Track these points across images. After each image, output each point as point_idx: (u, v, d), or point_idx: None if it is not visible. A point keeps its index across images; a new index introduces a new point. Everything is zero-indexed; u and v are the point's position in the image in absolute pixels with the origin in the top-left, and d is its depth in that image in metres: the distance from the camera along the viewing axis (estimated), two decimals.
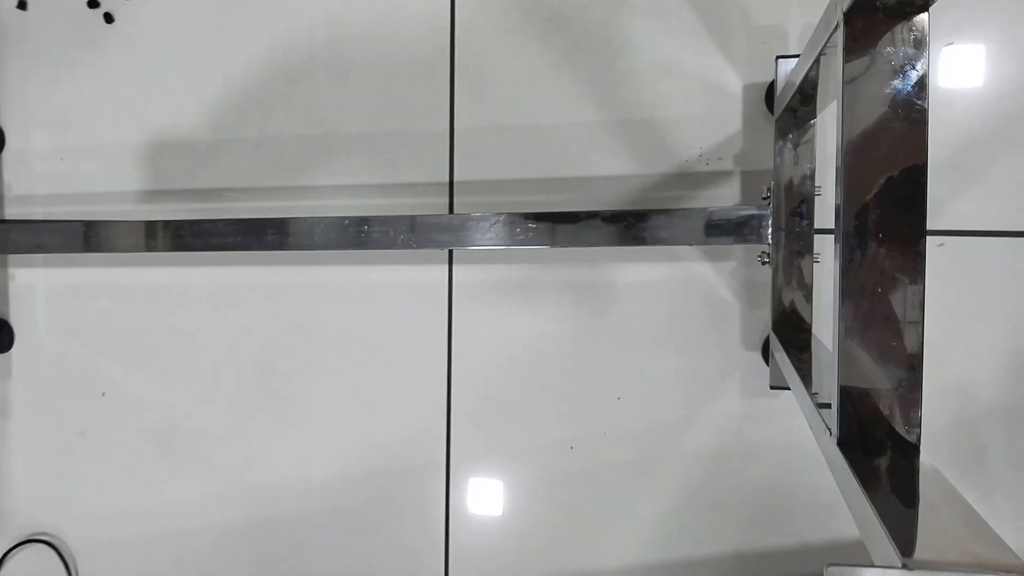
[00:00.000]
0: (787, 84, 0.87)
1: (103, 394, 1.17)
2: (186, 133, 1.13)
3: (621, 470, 1.04)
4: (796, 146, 0.88)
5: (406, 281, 1.07)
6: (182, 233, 1.05)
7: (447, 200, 1.05)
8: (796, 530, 1.00)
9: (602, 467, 1.04)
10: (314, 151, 1.09)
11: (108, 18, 1.15)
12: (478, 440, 1.07)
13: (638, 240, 0.91)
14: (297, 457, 1.12)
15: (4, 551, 1.20)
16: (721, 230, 0.90)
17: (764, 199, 0.91)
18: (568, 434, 1.04)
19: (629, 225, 0.91)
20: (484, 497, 1.07)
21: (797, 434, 0.99)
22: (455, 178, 1.05)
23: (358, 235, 0.99)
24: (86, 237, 1.08)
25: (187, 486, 1.15)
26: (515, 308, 1.04)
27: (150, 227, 1.05)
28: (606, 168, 1.01)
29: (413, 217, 0.97)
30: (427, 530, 1.08)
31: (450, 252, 1.06)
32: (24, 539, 1.20)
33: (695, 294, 1.01)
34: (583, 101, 1.01)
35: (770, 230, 0.89)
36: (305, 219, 1.00)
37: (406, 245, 0.99)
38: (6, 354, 1.20)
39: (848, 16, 0.52)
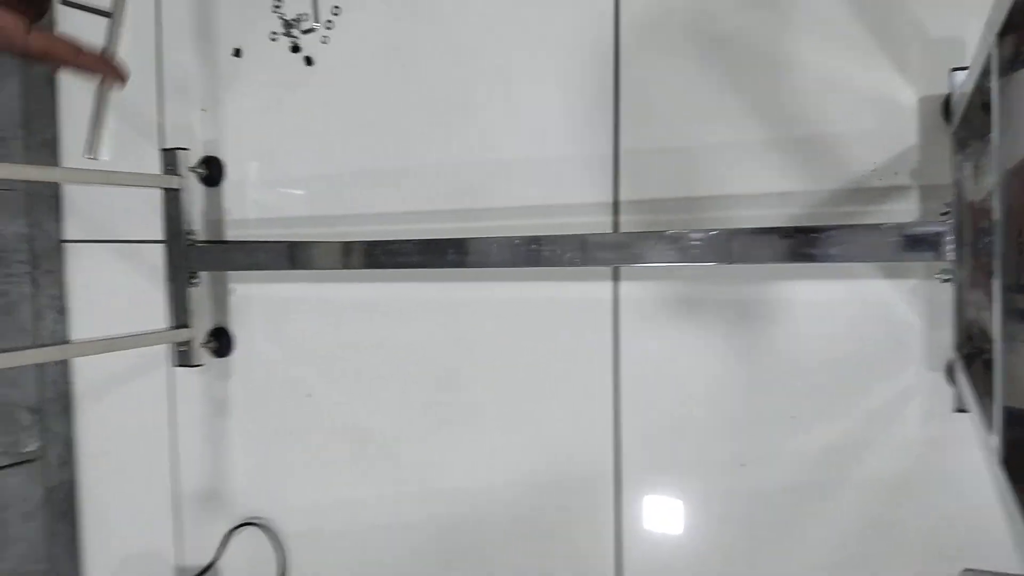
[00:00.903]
0: (961, 96, 0.82)
1: (308, 396, 1.31)
2: (374, 163, 1.23)
3: (795, 492, 1.02)
4: (976, 159, 0.83)
5: (575, 298, 1.12)
6: (374, 252, 1.15)
7: (611, 219, 1.08)
8: (985, 564, 0.94)
9: (775, 488, 1.03)
10: (486, 176, 1.16)
11: (308, 61, 1.28)
12: (647, 454, 1.09)
13: (815, 257, 0.90)
14: (474, 463, 1.19)
15: (227, 530, 1.38)
16: (902, 246, 0.87)
17: (943, 215, 0.87)
18: (739, 452, 1.04)
19: (806, 241, 0.90)
20: (654, 512, 1.09)
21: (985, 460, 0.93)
22: (620, 198, 1.08)
23: (529, 254, 1.05)
24: (291, 256, 1.22)
25: (378, 485, 1.27)
26: (682, 325, 1.06)
27: (346, 247, 1.17)
28: (773, 185, 1.00)
29: (582, 236, 1.01)
30: (598, 541, 1.12)
31: (615, 269, 1.09)
32: (242, 522, 1.37)
33: (873, 312, 0.97)
34: (748, 119, 1.00)
35: (952, 246, 0.85)
36: (482, 239, 1.07)
37: (574, 263, 1.03)
38: (226, 359, 1.37)
39: (1001, 36, 0.51)
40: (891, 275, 0.97)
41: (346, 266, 1.19)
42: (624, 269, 1.09)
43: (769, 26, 0.99)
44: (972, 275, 0.86)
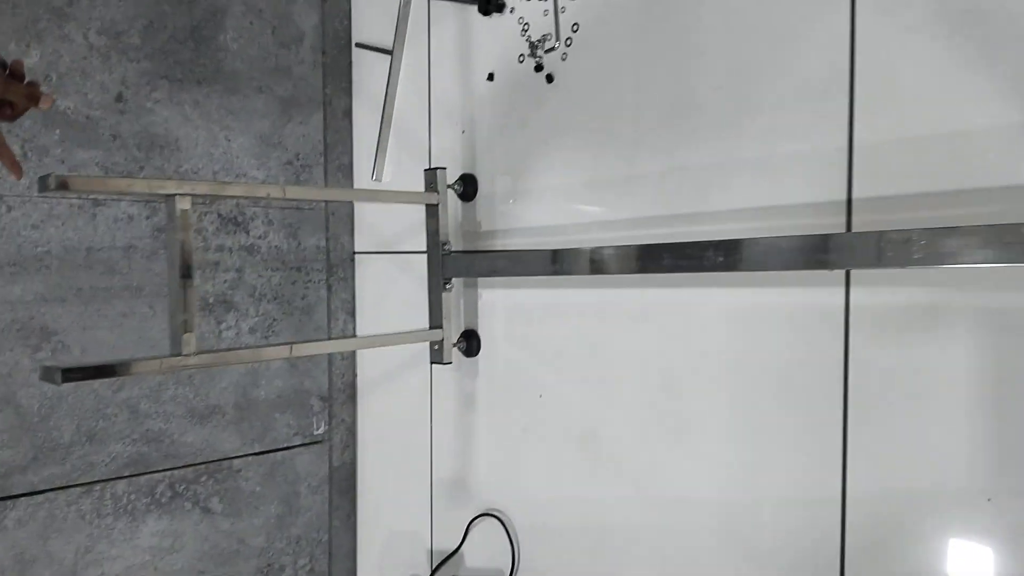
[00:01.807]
0: None
1: (540, 396, 1.37)
2: (610, 171, 1.26)
3: None
4: None
5: (800, 304, 1.04)
6: (597, 259, 1.18)
7: (844, 220, 1.00)
8: None
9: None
10: (713, 178, 1.13)
11: (549, 79, 1.36)
12: (874, 477, 0.98)
13: None
14: (691, 475, 1.16)
15: (470, 519, 1.48)
16: None
17: None
18: (984, 484, 0.90)
19: None
20: (883, 541, 0.98)
21: None
22: (853, 196, 0.99)
23: (750, 257, 1.01)
24: (527, 263, 1.30)
25: (601, 485, 1.28)
26: (921, 335, 0.94)
27: (580, 255, 1.21)
28: None
29: (803, 236, 0.95)
30: (821, 571, 1.03)
31: (847, 274, 1.00)
32: (482, 512, 1.46)
33: None
34: (1005, 100, 0.87)
35: None
36: (697, 243, 1.05)
37: (795, 266, 0.97)
38: (474, 358, 1.48)
39: None
40: None
41: (578, 272, 1.23)
42: (857, 274, 1.00)
43: None
44: None
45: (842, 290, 1.01)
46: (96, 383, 1.41)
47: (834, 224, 1.01)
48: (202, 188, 1.17)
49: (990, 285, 0.89)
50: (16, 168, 0.93)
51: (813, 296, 1.04)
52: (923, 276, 0.94)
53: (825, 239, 0.94)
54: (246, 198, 1.52)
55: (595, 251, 1.20)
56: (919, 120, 0.94)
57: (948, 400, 0.92)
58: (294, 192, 1.35)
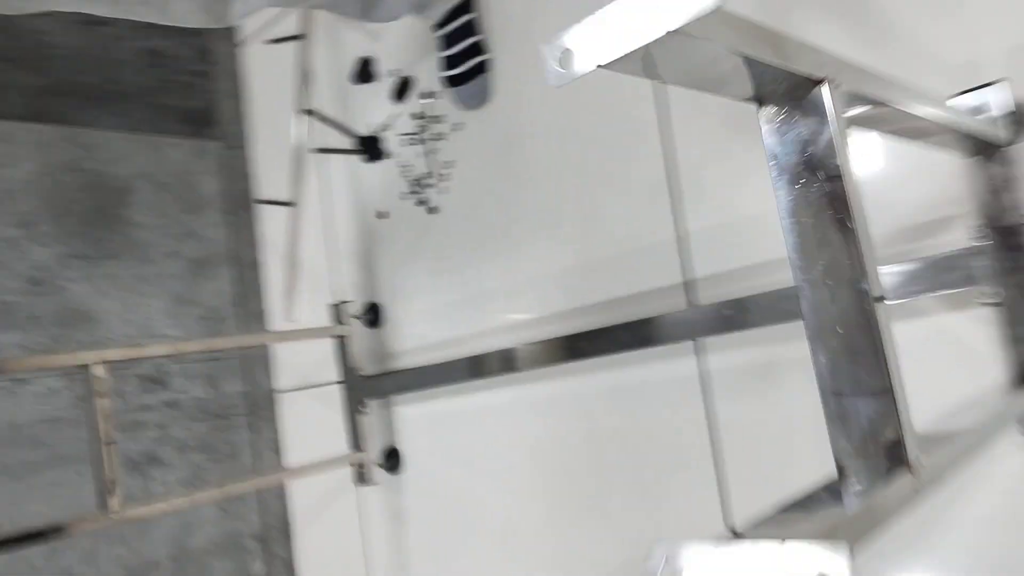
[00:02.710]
0: None
1: (462, 502, 1.46)
2: (495, 282, 1.41)
3: None
4: None
5: (662, 376, 1.18)
6: (489, 362, 1.32)
7: (684, 298, 1.15)
8: None
9: None
10: (579, 276, 1.28)
11: (431, 210, 1.52)
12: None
13: None
14: (601, 548, 1.25)
15: None
16: None
17: None
18: None
19: None
20: None
21: None
22: (695, 275, 1.15)
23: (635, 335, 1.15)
24: (427, 376, 1.42)
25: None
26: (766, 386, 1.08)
27: (470, 362, 1.34)
28: None
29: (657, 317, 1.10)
30: None
31: (695, 342, 1.15)
32: None
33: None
34: None
35: None
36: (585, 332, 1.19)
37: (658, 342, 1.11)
38: (398, 475, 1.56)
39: None
40: None
41: (471, 377, 1.36)
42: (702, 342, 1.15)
43: None
44: None
45: (694, 359, 1.15)
46: (29, 553, 1.44)
47: (677, 303, 1.16)
48: (113, 355, 1.26)
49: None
50: None
51: (672, 368, 1.18)
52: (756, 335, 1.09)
53: (667, 318, 1.09)
54: (159, 357, 1.61)
55: (488, 355, 1.33)
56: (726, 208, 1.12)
57: (799, 439, 1.06)
58: (206, 344, 1.46)
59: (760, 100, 0.50)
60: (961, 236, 0.88)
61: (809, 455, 1.04)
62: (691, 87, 0.50)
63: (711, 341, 1.14)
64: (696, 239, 1.15)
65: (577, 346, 1.22)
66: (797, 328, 1.01)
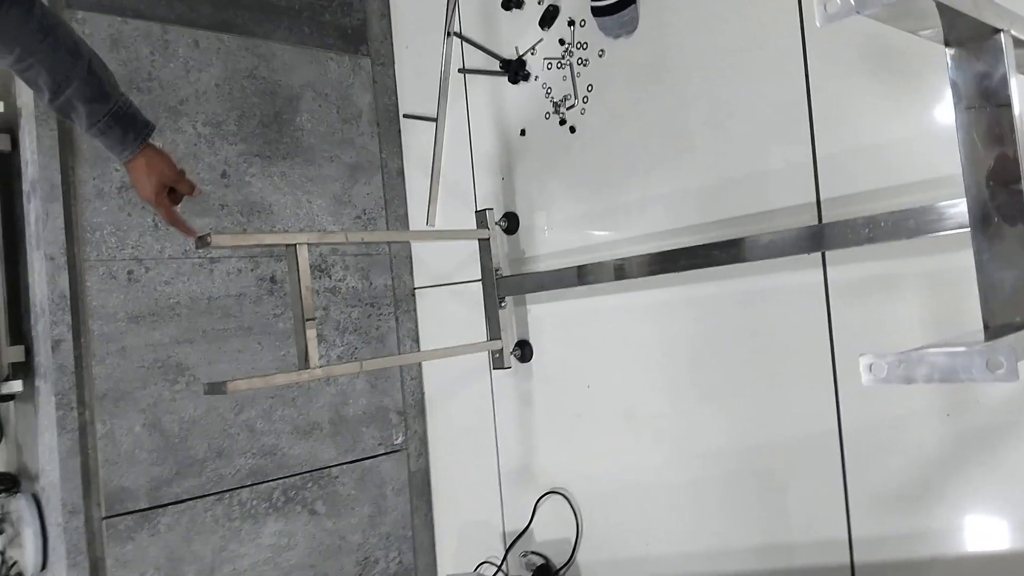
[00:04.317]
0: None
1: (588, 387, 1.67)
2: (625, 197, 1.58)
3: None
4: None
5: (788, 284, 1.35)
6: (627, 266, 1.50)
7: (816, 214, 1.31)
8: None
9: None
10: (709, 194, 1.44)
11: (572, 130, 1.69)
12: (863, 410, 1.27)
13: None
14: (715, 430, 1.45)
15: (537, 498, 1.76)
16: None
17: None
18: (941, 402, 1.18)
19: None
20: (886, 483, 1.26)
21: None
22: (821, 196, 1.30)
23: (750, 250, 1.32)
24: (566, 277, 1.61)
25: (646, 453, 1.57)
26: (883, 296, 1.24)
27: (606, 266, 1.53)
28: None
29: (794, 229, 1.26)
30: (827, 489, 1.31)
31: (823, 255, 1.31)
32: (547, 491, 1.75)
33: None
34: (910, 122, 1.18)
35: None
36: (704, 244, 1.36)
37: (790, 252, 1.28)
38: (528, 363, 1.78)
39: None
40: None
41: (607, 280, 1.55)
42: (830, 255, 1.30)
43: None
44: None
45: (820, 270, 1.32)
46: (221, 407, 1.72)
47: (807, 220, 1.32)
48: (313, 237, 1.49)
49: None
50: (192, 232, 1.27)
51: (799, 277, 1.34)
52: (880, 250, 1.24)
53: (809, 230, 1.25)
54: (342, 243, 1.87)
55: (617, 262, 1.51)
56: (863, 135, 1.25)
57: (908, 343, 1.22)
58: (374, 236, 1.69)
59: (949, 42, 0.66)
60: None
61: None
62: (894, 25, 0.65)
63: (835, 255, 1.30)
64: (826, 163, 1.30)
65: (711, 254, 1.38)
66: (914, 245, 1.16)
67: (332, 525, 1.87)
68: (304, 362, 1.43)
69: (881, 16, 0.61)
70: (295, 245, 1.43)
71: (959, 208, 1.08)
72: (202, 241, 1.33)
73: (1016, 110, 0.63)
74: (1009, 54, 0.63)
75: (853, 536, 1.27)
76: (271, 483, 1.78)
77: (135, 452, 1.61)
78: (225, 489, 1.72)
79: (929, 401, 1.20)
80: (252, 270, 1.80)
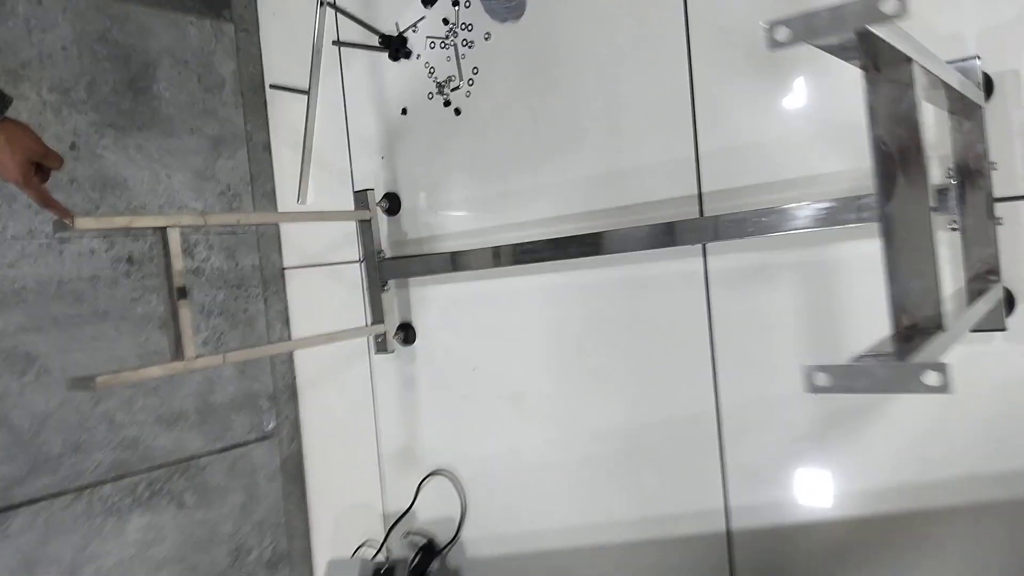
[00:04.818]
0: None
1: (474, 370, 1.68)
2: (510, 184, 1.60)
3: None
4: None
5: (670, 272, 1.42)
6: (515, 252, 1.51)
7: (697, 208, 1.39)
8: None
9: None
10: (598, 184, 1.49)
11: (457, 112, 1.67)
12: (737, 390, 1.37)
13: None
14: (601, 411, 1.51)
15: (420, 479, 1.76)
16: None
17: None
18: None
19: None
20: (754, 427, 1.36)
21: None
22: (703, 190, 1.38)
23: (656, 237, 1.37)
24: (454, 262, 1.61)
25: (533, 433, 1.61)
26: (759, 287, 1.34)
27: (494, 251, 1.54)
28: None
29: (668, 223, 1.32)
30: (705, 463, 1.40)
31: (703, 247, 1.39)
32: (430, 472, 1.75)
33: None
34: (788, 120, 1.28)
35: None
36: (601, 232, 1.41)
37: (665, 244, 1.34)
38: (412, 346, 1.77)
39: None
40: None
41: (494, 265, 1.56)
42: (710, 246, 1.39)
43: None
44: None
45: (700, 259, 1.40)
46: (76, 400, 1.58)
47: (689, 212, 1.39)
48: (186, 220, 1.39)
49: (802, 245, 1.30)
50: (68, 213, 1.15)
51: (680, 266, 1.42)
52: (755, 243, 1.34)
53: (684, 223, 1.32)
54: (225, 225, 1.75)
55: (504, 246, 1.53)
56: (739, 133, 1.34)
57: (781, 329, 1.32)
58: (254, 218, 1.60)
59: (867, 67, 0.72)
60: (938, 174, 1.14)
61: (790, 343, 1.31)
62: (821, 48, 0.71)
63: (715, 246, 1.38)
64: (708, 158, 1.38)
65: (597, 242, 1.43)
66: (786, 238, 1.26)
67: (202, 516, 1.78)
68: (178, 352, 1.34)
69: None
70: (165, 228, 1.33)
71: (814, 207, 1.19)
72: (61, 225, 1.21)
73: (922, 129, 0.70)
74: (918, 80, 0.70)
75: (730, 506, 1.38)
76: (135, 477, 1.67)
77: None
78: (84, 485, 1.59)
79: (798, 385, 1.31)
80: (107, 251, 1.65)
